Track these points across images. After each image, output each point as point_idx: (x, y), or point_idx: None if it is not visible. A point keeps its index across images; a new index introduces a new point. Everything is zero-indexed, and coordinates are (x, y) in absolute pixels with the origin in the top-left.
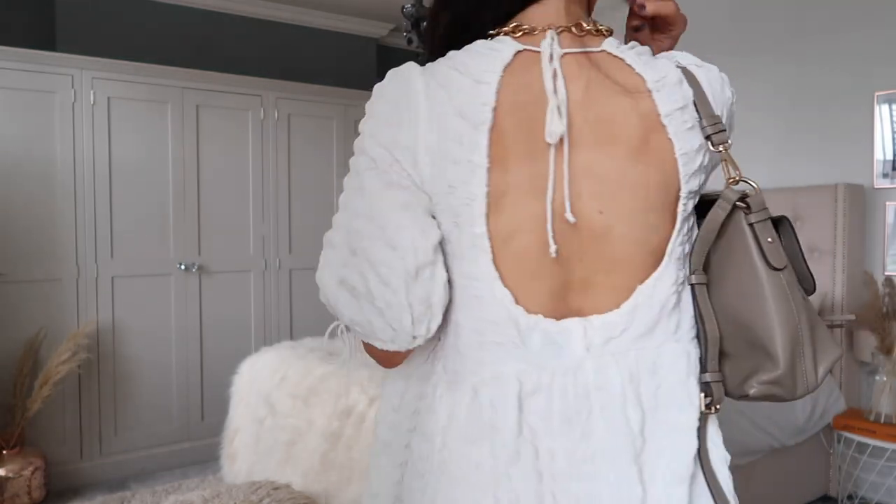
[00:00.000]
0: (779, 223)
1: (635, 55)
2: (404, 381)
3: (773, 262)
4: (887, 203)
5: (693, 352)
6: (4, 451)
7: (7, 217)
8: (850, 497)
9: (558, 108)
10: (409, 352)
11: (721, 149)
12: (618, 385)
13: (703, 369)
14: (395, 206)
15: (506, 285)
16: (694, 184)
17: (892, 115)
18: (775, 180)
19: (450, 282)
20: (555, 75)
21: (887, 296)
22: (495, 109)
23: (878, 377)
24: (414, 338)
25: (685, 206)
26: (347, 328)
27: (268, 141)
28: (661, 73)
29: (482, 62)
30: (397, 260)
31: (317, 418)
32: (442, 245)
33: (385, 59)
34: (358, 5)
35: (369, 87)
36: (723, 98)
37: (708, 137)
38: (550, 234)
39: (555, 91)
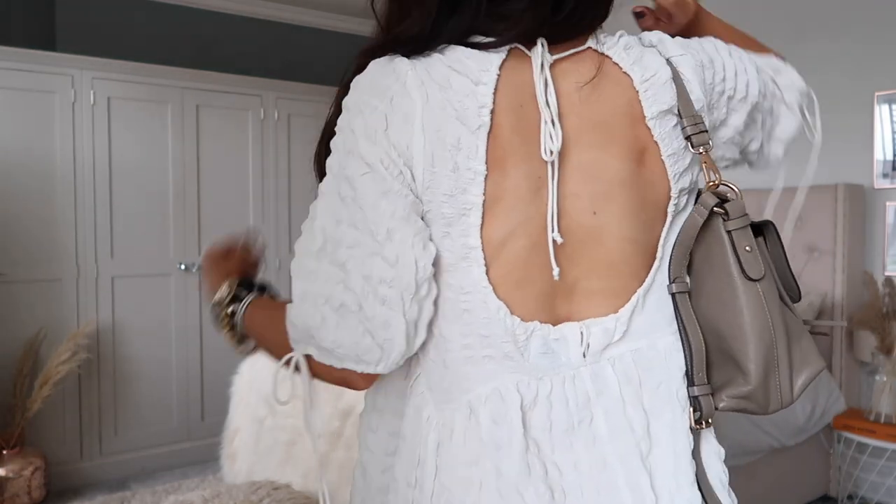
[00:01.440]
0: (764, 228)
1: (622, 50)
2: (383, 398)
3: (749, 273)
4: (887, 203)
5: None
6: (4, 451)
7: (7, 217)
8: (850, 497)
9: (552, 122)
10: (369, 379)
11: (701, 150)
12: (615, 389)
13: (690, 382)
14: (395, 218)
15: (499, 296)
16: (685, 181)
17: (892, 116)
18: (775, 181)
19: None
20: (546, 84)
21: (887, 296)
22: (493, 112)
23: (878, 377)
24: (402, 357)
25: (676, 203)
26: (296, 368)
27: (268, 141)
28: (649, 71)
29: (479, 60)
30: (398, 277)
31: (316, 418)
32: None
33: None
34: (358, 5)
35: None
36: (711, 78)
37: (688, 139)
38: (551, 240)
39: (547, 103)
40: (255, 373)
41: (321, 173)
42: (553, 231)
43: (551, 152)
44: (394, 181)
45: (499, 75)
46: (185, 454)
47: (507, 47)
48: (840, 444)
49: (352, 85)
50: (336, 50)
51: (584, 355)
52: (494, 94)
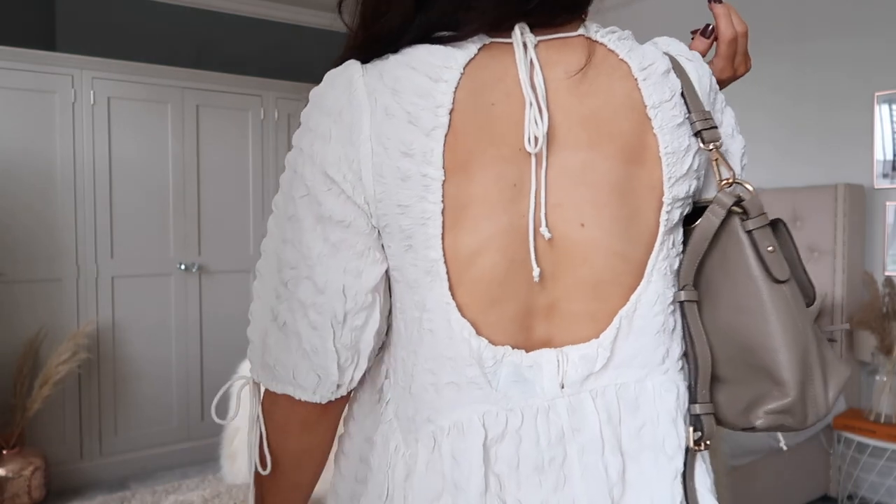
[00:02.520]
0: (774, 228)
1: (617, 39)
2: (353, 423)
3: (775, 274)
4: (887, 203)
5: (683, 385)
6: (4, 451)
7: (7, 217)
8: (850, 497)
9: (538, 105)
10: (326, 413)
11: (712, 147)
12: (595, 426)
13: (693, 399)
14: (324, 247)
15: (464, 315)
16: (680, 190)
17: (892, 116)
18: (775, 181)
19: (396, 314)
20: (531, 66)
21: (887, 296)
22: (452, 111)
23: (878, 377)
24: (338, 386)
25: (668, 216)
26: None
27: (268, 141)
28: (647, 60)
29: (441, 56)
30: (326, 303)
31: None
32: (389, 274)
33: None
34: None
35: None
36: (712, 98)
37: (697, 133)
38: (533, 252)
39: (532, 87)
40: None
41: None
42: (541, 226)
43: (536, 140)
44: (329, 206)
45: (462, 73)
46: (185, 454)
47: (479, 43)
48: (840, 444)
49: (309, 97)
50: (336, 50)
51: (562, 385)
52: (455, 91)
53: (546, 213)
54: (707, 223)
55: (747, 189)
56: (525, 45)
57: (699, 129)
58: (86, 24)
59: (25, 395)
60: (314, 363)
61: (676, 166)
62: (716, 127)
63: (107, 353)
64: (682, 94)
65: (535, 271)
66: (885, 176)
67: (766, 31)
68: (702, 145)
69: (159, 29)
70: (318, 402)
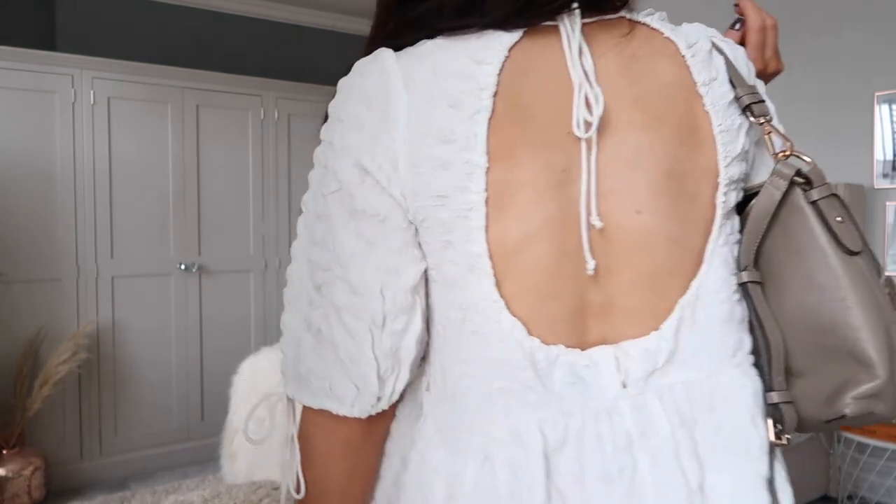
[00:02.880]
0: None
1: (658, 20)
2: (390, 442)
3: (848, 245)
4: (887, 203)
5: (758, 379)
6: (4, 451)
7: (7, 217)
8: (850, 497)
9: (591, 88)
10: (370, 433)
11: (763, 120)
12: (665, 429)
13: (769, 387)
14: (358, 244)
15: (514, 313)
16: (735, 171)
17: (892, 115)
18: None
19: (434, 317)
20: (580, 51)
21: (887, 295)
22: (496, 94)
23: None
24: (378, 399)
25: (725, 198)
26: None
27: (268, 141)
28: (692, 38)
29: (484, 39)
30: (362, 306)
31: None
32: (426, 275)
33: None
34: (358, 5)
35: None
36: (752, 79)
37: (747, 108)
38: (586, 241)
39: (583, 70)
40: (255, 373)
41: None
42: (592, 215)
43: (588, 125)
44: (363, 199)
45: (507, 55)
46: (185, 454)
47: (522, 29)
48: (840, 444)
49: (337, 88)
50: (336, 50)
51: (624, 384)
52: (500, 74)
53: (598, 201)
54: (767, 197)
55: (804, 160)
56: (573, 27)
57: (747, 103)
58: (86, 24)
59: (25, 395)
60: (351, 373)
61: (731, 145)
62: (764, 101)
63: (107, 353)
64: (728, 73)
65: (590, 264)
66: (885, 176)
67: None
68: (752, 119)
69: (159, 29)
70: (358, 416)
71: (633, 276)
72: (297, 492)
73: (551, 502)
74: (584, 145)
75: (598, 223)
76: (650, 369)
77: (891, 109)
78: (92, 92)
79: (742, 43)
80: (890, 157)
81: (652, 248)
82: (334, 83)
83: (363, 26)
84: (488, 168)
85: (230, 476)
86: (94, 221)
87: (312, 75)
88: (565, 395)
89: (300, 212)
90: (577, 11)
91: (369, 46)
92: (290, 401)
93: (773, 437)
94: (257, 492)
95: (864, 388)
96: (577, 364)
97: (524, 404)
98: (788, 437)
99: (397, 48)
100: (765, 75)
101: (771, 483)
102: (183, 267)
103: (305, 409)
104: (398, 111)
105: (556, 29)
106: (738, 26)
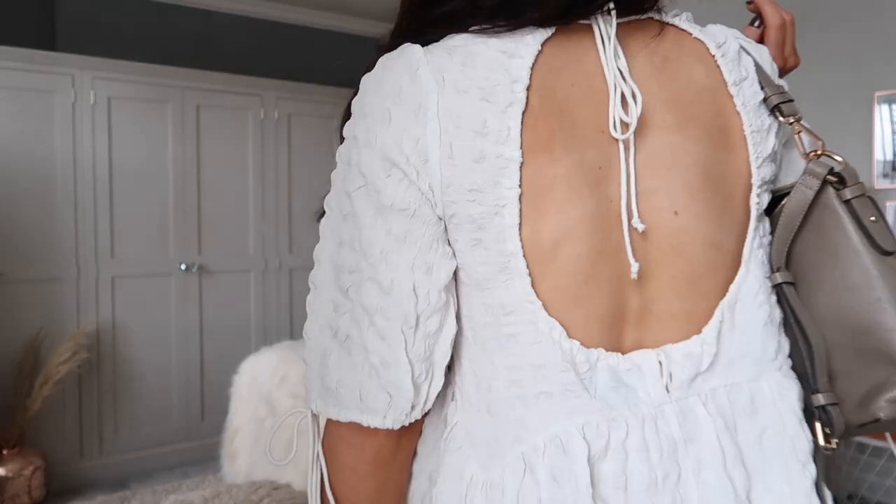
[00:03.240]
0: None
1: (685, 20)
2: (416, 462)
3: (883, 245)
4: (887, 203)
5: (798, 382)
6: (4, 451)
7: (7, 217)
8: (849, 497)
9: (628, 89)
10: (401, 445)
11: (792, 120)
12: (710, 435)
13: (814, 389)
14: (386, 241)
15: (551, 314)
16: (766, 172)
17: (892, 115)
18: None
19: (462, 322)
20: (615, 52)
21: None
22: (530, 88)
23: None
24: (413, 407)
25: (759, 199)
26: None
27: (268, 141)
28: (720, 38)
29: (516, 34)
30: (394, 306)
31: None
32: (455, 276)
33: None
34: (358, 5)
35: None
36: (777, 79)
37: (775, 108)
38: (629, 244)
39: (618, 70)
40: (256, 373)
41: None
42: (634, 217)
43: (626, 126)
44: (390, 193)
45: (540, 50)
46: (185, 454)
47: (555, 26)
48: (840, 444)
49: (360, 85)
50: (337, 50)
51: (668, 389)
52: (533, 68)
53: (637, 202)
54: (799, 196)
55: (836, 159)
56: (607, 27)
57: (776, 102)
58: (86, 24)
59: (26, 395)
60: (384, 379)
61: (762, 146)
62: (792, 100)
63: (107, 353)
64: (757, 73)
65: (634, 267)
66: (885, 176)
67: None
68: (781, 119)
69: (159, 29)
70: (391, 427)
71: (670, 279)
72: None
73: None
74: (621, 145)
75: (640, 226)
76: (694, 373)
77: (891, 109)
78: (92, 92)
79: (760, 41)
80: (890, 157)
81: (689, 251)
82: (334, 83)
83: (364, 26)
84: (522, 163)
85: (230, 476)
86: (95, 221)
87: (312, 75)
88: (607, 399)
89: (300, 212)
90: (614, 12)
91: (392, 43)
92: (315, 417)
93: (822, 441)
94: (257, 491)
95: None
96: (619, 368)
97: (565, 409)
98: (837, 441)
99: (423, 44)
100: (783, 72)
101: (818, 488)
102: (183, 267)
103: (331, 423)
104: (428, 103)
105: (588, 27)
106: (757, 23)
